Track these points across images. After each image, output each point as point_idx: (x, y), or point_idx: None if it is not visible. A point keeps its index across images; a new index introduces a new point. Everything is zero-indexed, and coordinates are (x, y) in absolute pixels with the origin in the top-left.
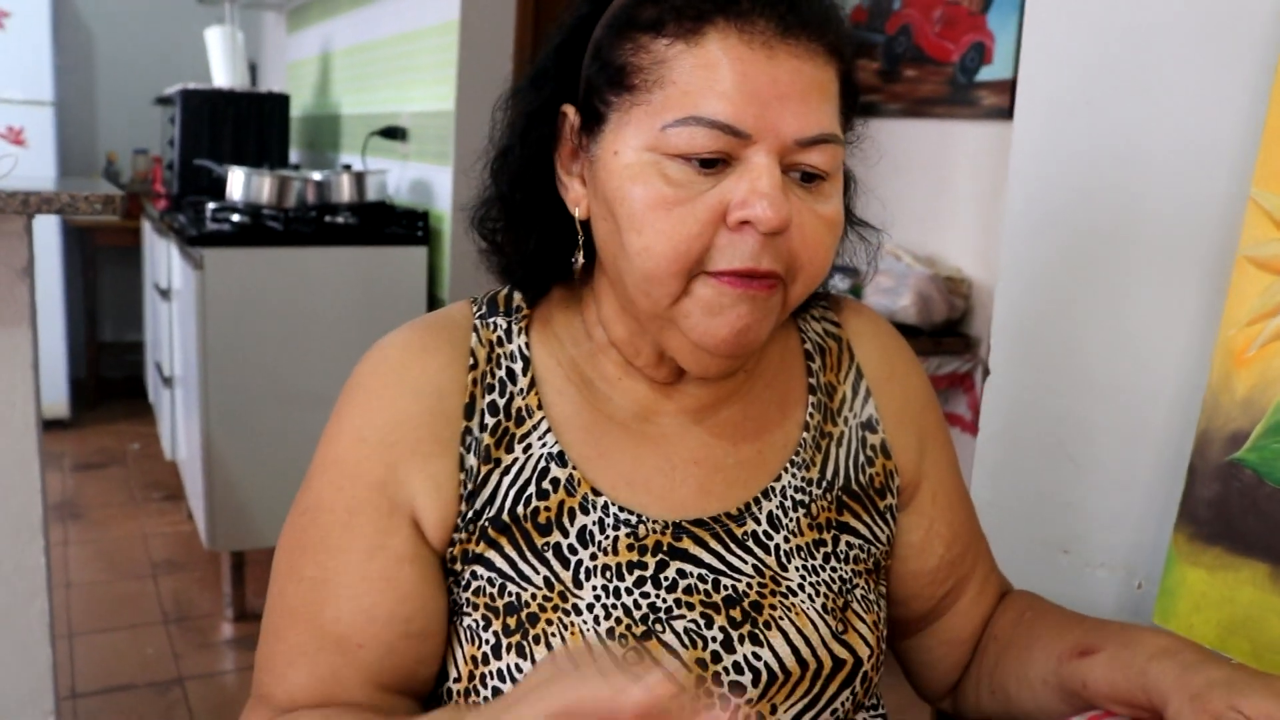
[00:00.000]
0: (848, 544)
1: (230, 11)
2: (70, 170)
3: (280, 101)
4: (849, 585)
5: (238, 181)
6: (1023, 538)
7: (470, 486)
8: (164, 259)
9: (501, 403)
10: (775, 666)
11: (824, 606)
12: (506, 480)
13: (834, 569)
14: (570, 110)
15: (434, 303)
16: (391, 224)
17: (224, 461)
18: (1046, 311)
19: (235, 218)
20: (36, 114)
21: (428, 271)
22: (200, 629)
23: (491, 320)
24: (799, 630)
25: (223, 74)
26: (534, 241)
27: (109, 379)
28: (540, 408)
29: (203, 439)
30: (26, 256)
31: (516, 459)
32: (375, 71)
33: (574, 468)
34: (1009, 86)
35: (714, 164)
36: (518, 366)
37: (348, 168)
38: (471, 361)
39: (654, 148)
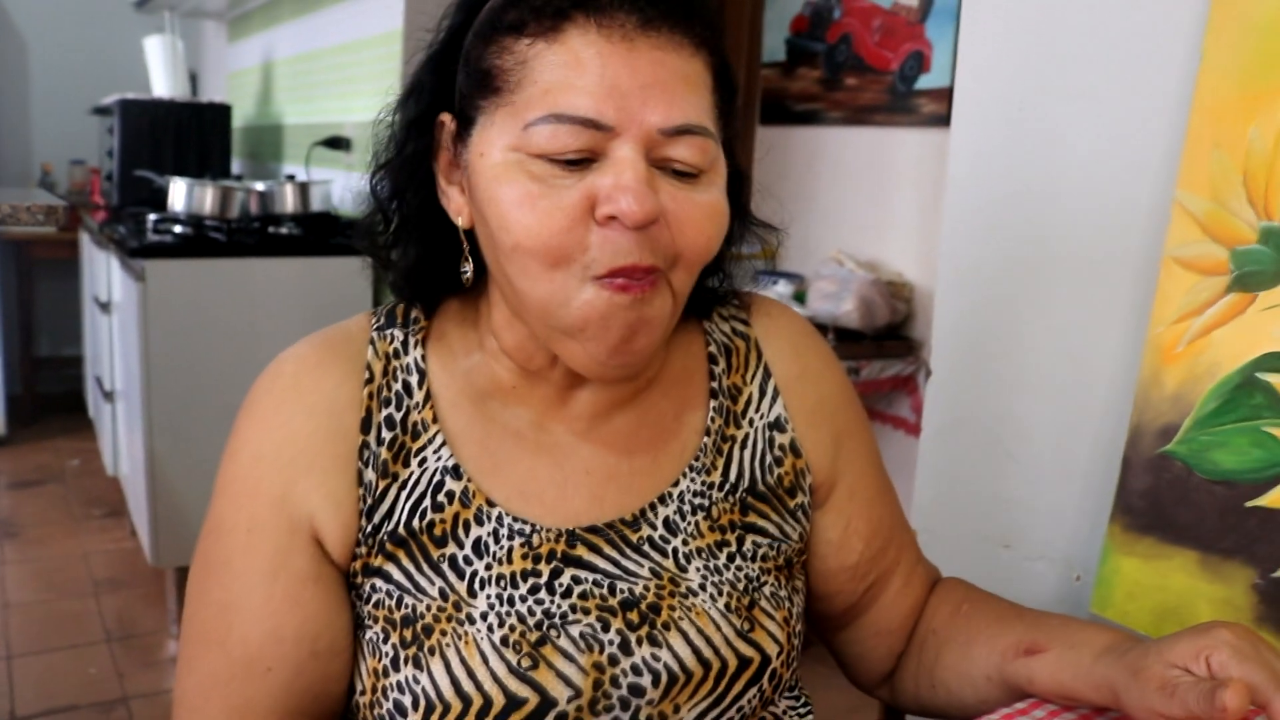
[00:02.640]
0: (754, 543)
1: (170, 20)
2: (3, 182)
3: (222, 111)
4: (756, 583)
5: (179, 192)
6: (965, 533)
7: (369, 501)
8: (104, 271)
9: (398, 417)
10: (675, 667)
11: (727, 605)
12: (403, 494)
13: (739, 568)
14: (447, 119)
15: None
16: (336, 234)
17: (168, 476)
18: (985, 313)
19: (177, 229)
20: None
21: (373, 281)
22: (145, 647)
23: (389, 332)
24: (699, 630)
25: (162, 84)
26: (415, 253)
27: (46, 394)
28: (435, 421)
29: (146, 453)
30: None
31: (412, 473)
32: (318, 81)
33: (468, 480)
34: (947, 94)
35: (579, 163)
36: (413, 380)
37: (291, 178)
38: (367, 375)
39: (518, 147)
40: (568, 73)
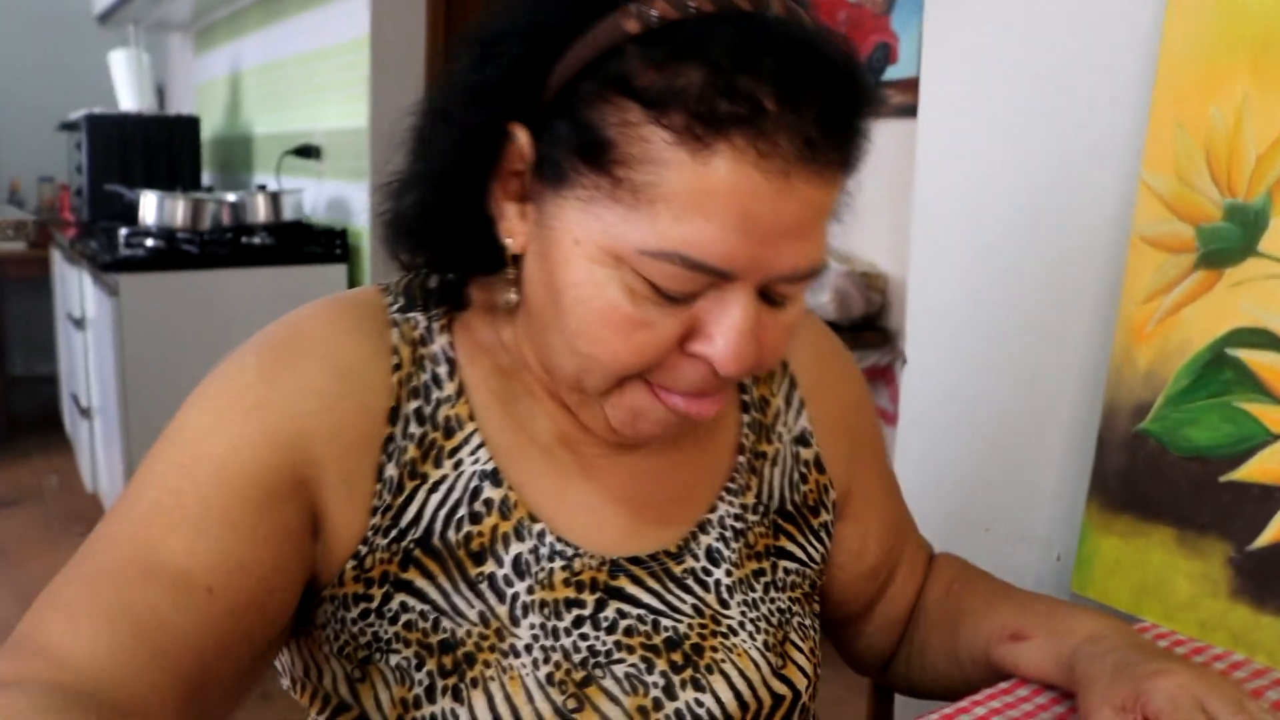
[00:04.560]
0: (785, 570)
1: (134, 34)
2: None
3: (190, 124)
4: (787, 616)
5: (150, 205)
6: (945, 518)
7: (387, 499)
8: (76, 288)
9: (428, 411)
10: (717, 712)
11: (765, 644)
12: (435, 499)
13: (773, 599)
14: (522, 135)
15: None
16: (309, 243)
17: None
18: (958, 299)
19: (149, 242)
20: None
21: (348, 289)
22: None
23: (411, 316)
24: (741, 672)
25: (129, 97)
26: (468, 261)
27: (22, 413)
28: (472, 418)
29: (125, 468)
30: None
31: (445, 475)
32: (287, 90)
33: (509, 488)
34: (914, 85)
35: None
36: (443, 370)
37: (262, 188)
38: (395, 361)
39: (623, 259)
40: (707, 207)
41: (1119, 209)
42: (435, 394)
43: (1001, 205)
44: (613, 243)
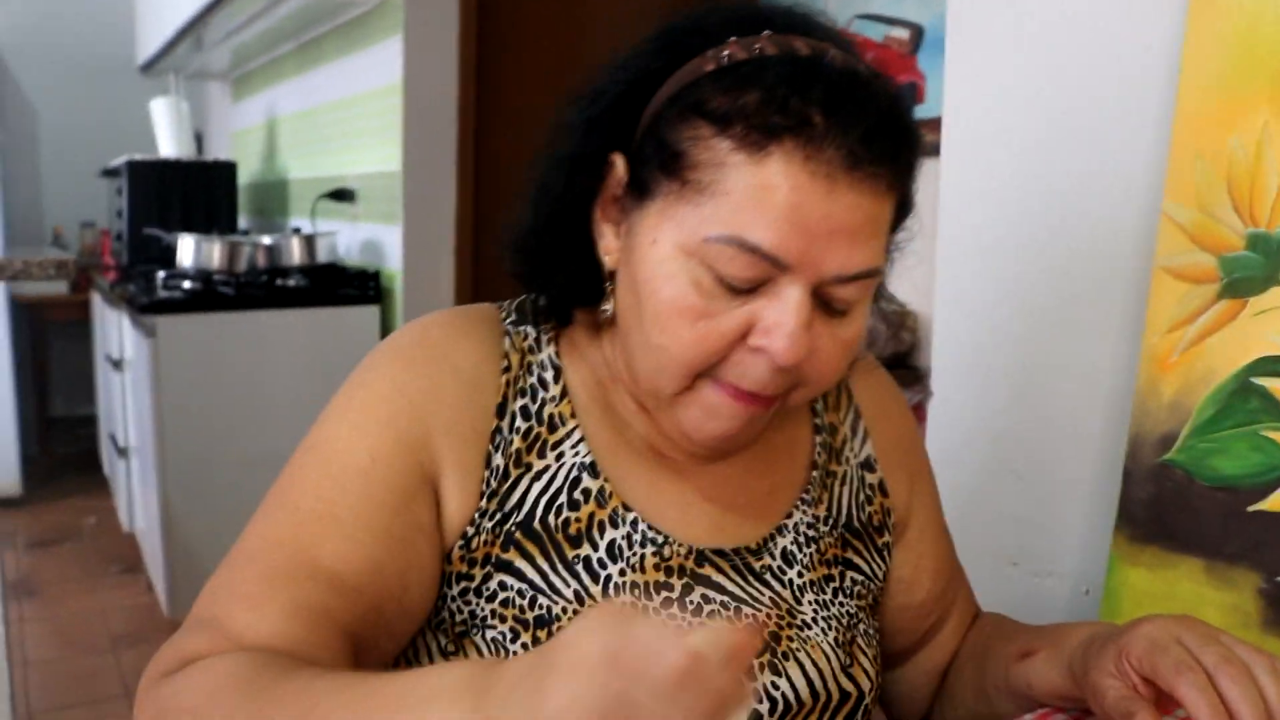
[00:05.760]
0: (852, 580)
1: (175, 82)
2: (17, 245)
3: (227, 169)
4: (854, 620)
5: (188, 248)
6: (972, 552)
7: (494, 485)
8: (115, 330)
9: (534, 408)
10: (791, 697)
11: (835, 640)
12: (538, 486)
13: (841, 604)
14: (619, 162)
15: None
16: (343, 285)
17: (184, 528)
18: (983, 334)
19: (186, 284)
20: None
21: (380, 330)
22: None
23: (522, 328)
24: (814, 662)
25: (169, 144)
26: (562, 278)
27: (61, 454)
28: (574, 416)
29: (161, 507)
30: None
31: (548, 465)
32: (321, 135)
33: (605, 479)
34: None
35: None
36: (549, 375)
37: (297, 231)
38: (505, 364)
39: (691, 253)
40: (762, 198)
41: (1141, 240)
42: (541, 394)
43: (1024, 239)
44: (683, 236)
